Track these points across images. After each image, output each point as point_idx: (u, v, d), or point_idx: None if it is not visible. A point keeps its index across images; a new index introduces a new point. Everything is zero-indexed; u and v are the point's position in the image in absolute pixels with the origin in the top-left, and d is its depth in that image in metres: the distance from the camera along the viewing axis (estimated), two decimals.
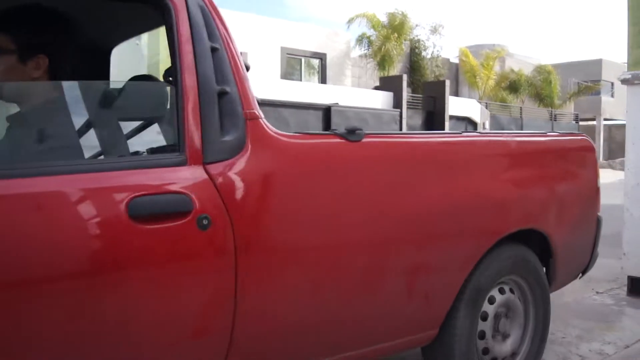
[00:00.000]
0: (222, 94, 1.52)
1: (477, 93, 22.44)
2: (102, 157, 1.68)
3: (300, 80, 18.21)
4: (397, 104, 16.30)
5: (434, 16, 54.86)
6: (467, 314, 2.06)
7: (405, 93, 16.49)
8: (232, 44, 1.58)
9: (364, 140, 1.78)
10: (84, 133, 1.65)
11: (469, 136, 2.40)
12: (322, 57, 18.87)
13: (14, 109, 1.65)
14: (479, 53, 22.88)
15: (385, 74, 19.01)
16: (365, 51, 20.01)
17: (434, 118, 17.25)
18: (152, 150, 1.58)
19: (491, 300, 2.20)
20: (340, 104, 14.47)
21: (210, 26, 1.55)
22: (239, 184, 1.52)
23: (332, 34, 19.26)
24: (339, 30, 20.08)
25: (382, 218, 1.81)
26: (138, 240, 1.34)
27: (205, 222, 1.42)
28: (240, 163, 1.52)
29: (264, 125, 1.59)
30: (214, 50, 1.53)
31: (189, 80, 1.48)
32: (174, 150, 1.47)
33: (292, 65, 18.45)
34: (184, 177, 1.44)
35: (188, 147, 1.46)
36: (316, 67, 19.12)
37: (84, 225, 1.30)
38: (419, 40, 21.45)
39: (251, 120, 1.56)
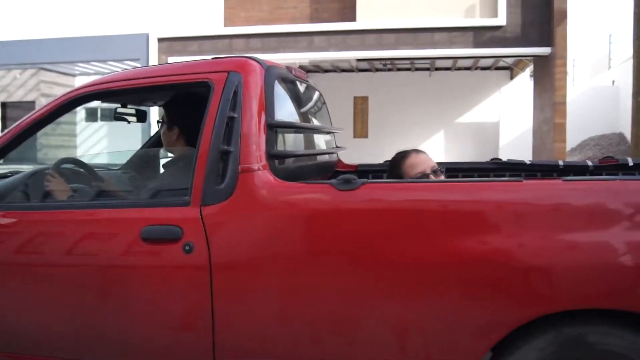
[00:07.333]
0: (225, 153, 1.98)
1: None
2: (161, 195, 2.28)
3: None
4: None
5: None
6: None
7: None
8: (252, 112, 1.99)
9: (357, 190, 1.87)
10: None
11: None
12: None
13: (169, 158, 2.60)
14: None
15: None
16: None
17: None
18: (177, 194, 2.13)
19: None
20: None
21: (236, 99, 2.01)
22: (220, 222, 1.97)
23: None
24: None
25: (352, 270, 1.87)
26: (145, 255, 2.05)
27: (187, 247, 1.97)
28: (226, 206, 1.96)
29: (258, 178, 1.95)
30: (230, 118, 2.00)
31: (204, 143, 2.02)
32: (186, 194, 2.02)
33: None
34: (182, 214, 2.01)
35: (193, 192, 2.00)
36: None
37: (108, 242, 2.10)
38: None
39: (244, 173, 1.96)
